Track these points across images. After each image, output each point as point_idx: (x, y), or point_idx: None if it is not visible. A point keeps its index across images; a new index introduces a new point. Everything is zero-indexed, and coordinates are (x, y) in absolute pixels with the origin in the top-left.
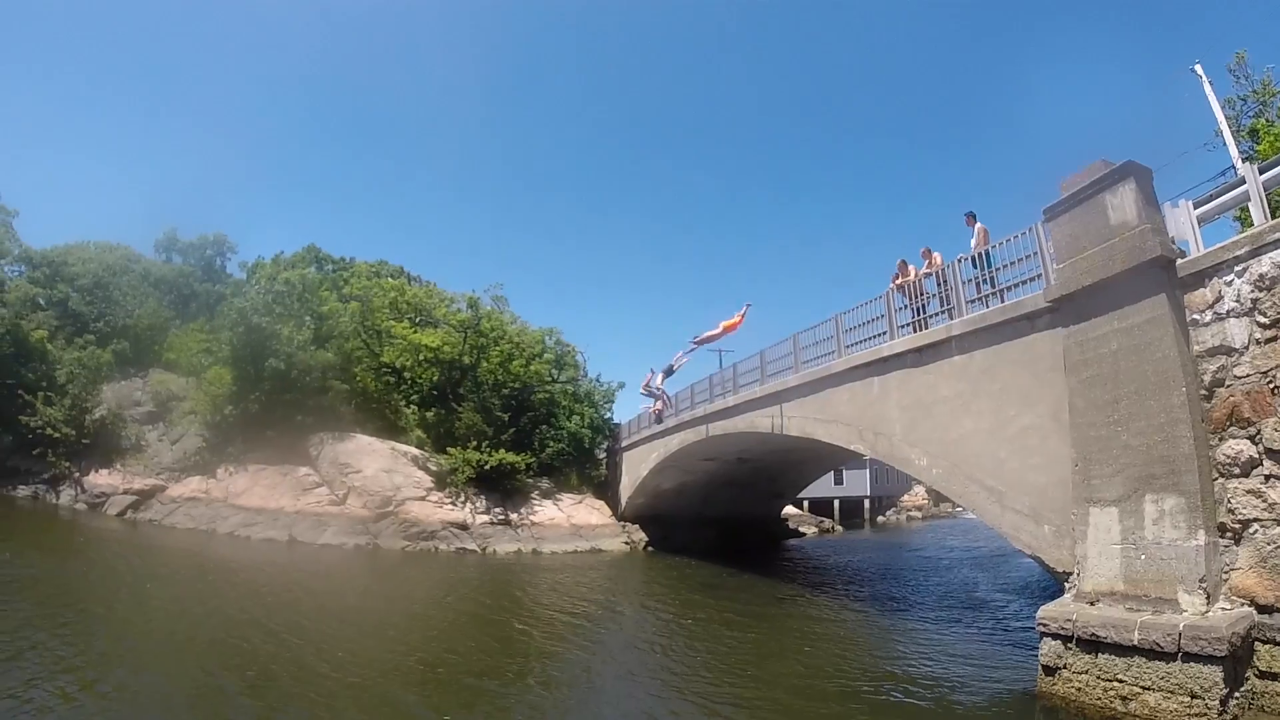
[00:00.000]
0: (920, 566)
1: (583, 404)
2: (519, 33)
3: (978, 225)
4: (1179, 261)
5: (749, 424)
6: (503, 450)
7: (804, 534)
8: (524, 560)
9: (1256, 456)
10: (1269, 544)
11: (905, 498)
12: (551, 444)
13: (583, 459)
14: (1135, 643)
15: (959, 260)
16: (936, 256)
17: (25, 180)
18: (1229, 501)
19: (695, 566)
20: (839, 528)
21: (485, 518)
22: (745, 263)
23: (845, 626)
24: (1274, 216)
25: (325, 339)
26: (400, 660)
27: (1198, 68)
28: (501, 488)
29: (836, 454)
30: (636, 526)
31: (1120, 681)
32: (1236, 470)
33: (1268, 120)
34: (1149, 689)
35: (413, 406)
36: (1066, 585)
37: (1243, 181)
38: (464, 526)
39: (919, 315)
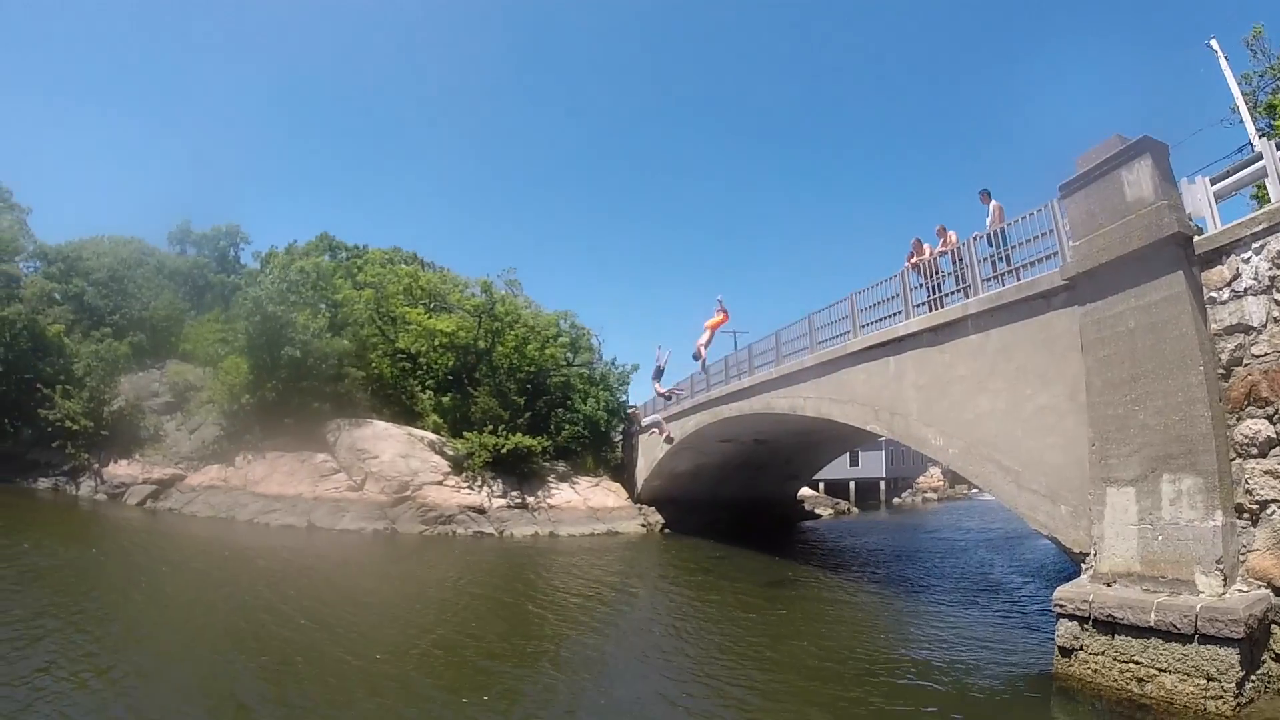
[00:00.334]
0: (936, 548)
1: (598, 387)
2: (532, 20)
3: (993, 203)
4: (1196, 239)
5: (765, 405)
6: (519, 434)
7: (820, 515)
8: (541, 543)
9: (1275, 437)
10: None
11: (921, 479)
12: (567, 427)
13: (599, 442)
14: (1152, 624)
15: (974, 238)
16: (952, 235)
17: (39, 177)
18: (1246, 482)
19: (711, 548)
20: (854, 509)
21: (502, 501)
22: (758, 245)
23: (860, 608)
24: None
25: (340, 326)
26: (415, 643)
27: (1213, 43)
28: (518, 471)
29: (852, 435)
30: (653, 509)
31: (1137, 663)
32: (1254, 450)
33: None
34: (1165, 671)
35: (428, 392)
36: (1083, 566)
37: (1260, 158)
38: (481, 510)
39: (934, 294)
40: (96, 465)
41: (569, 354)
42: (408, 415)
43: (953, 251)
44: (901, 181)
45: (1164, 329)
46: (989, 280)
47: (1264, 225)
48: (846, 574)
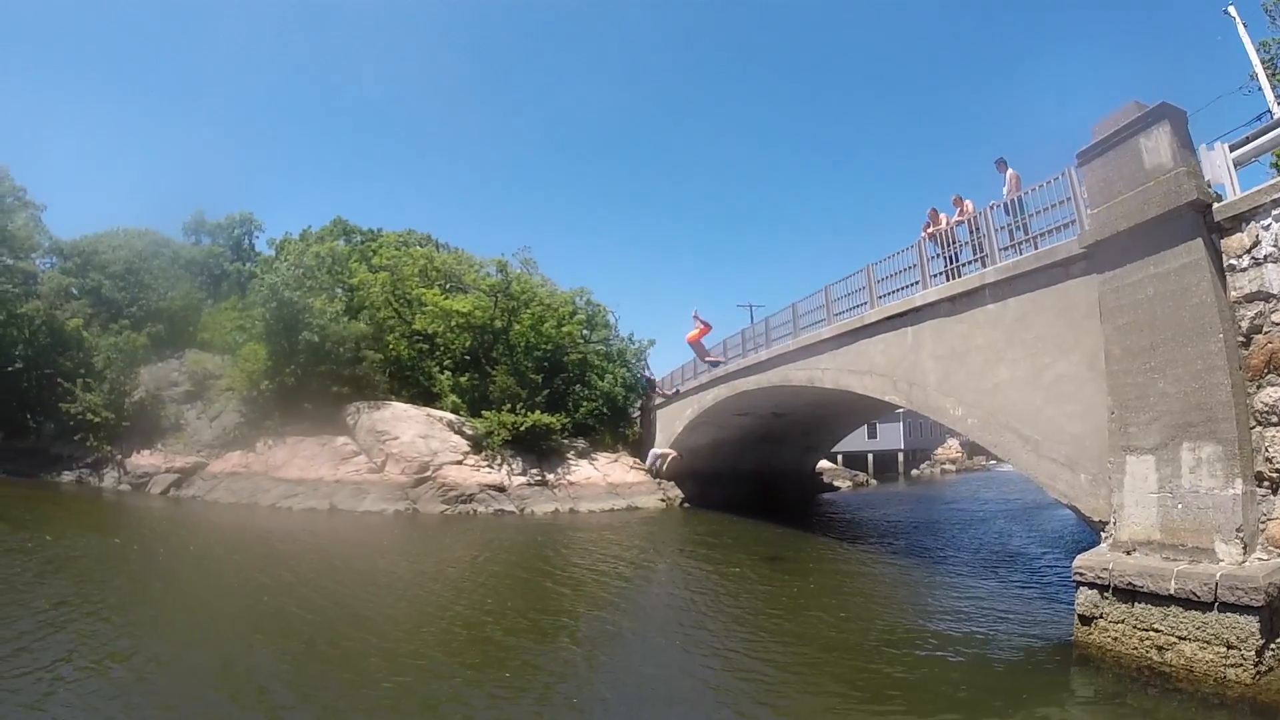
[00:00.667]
0: (954, 519)
1: (615, 363)
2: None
3: (1009, 171)
4: (1215, 205)
5: (783, 377)
6: (537, 412)
7: (838, 488)
8: (561, 520)
9: None
10: None
11: (939, 451)
12: (585, 404)
13: (617, 418)
14: (1172, 592)
15: (991, 207)
16: (968, 204)
17: (51, 174)
18: (1266, 450)
19: (730, 521)
20: (873, 481)
21: (522, 479)
22: (774, 221)
23: (880, 580)
24: None
25: (357, 310)
26: (435, 621)
27: (1231, 9)
28: (537, 449)
29: (870, 407)
30: (672, 483)
31: (1157, 631)
32: (1274, 419)
33: None
34: (1185, 639)
35: (446, 372)
36: (1102, 534)
37: (1279, 124)
38: (501, 488)
39: (951, 264)
40: (119, 456)
41: (586, 331)
42: (426, 396)
43: (969, 221)
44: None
45: (1183, 296)
46: (1006, 249)
47: None
48: (865, 545)
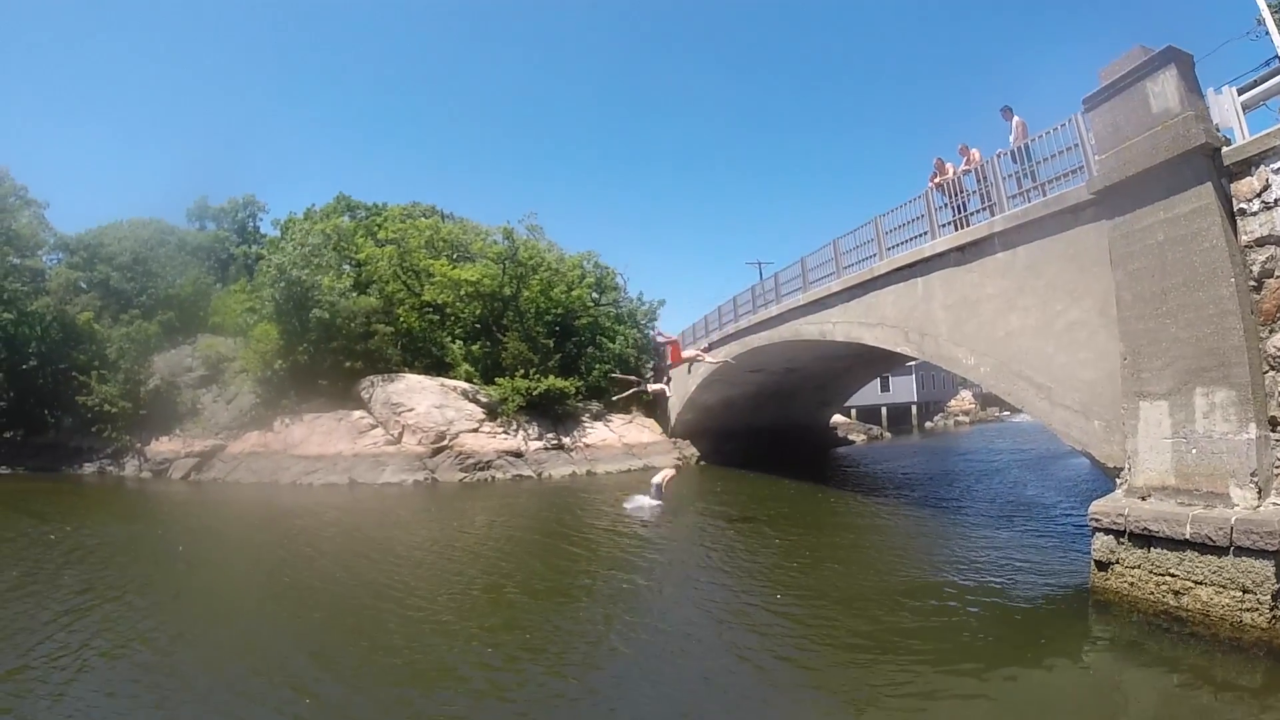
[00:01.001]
0: (969, 470)
1: (626, 324)
2: None
3: (1015, 119)
4: (1224, 150)
5: (794, 332)
6: (550, 376)
7: (853, 441)
8: (579, 482)
9: None
10: None
11: (952, 403)
12: (598, 367)
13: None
14: (1187, 537)
15: (998, 155)
16: (974, 153)
17: (51, 170)
18: (1279, 395)
19: (746, 477)
20: (887, 434)
21: (538, 444)
22: (778, 176)
23: (896, 531)
24: None
25: (365, 284)
26: (455, 588)
27: None
28: (552, 413)
29: (882, 359)
30: (687, 442)
31: (1173, 576)
32: None
33: None
34: (1201, 583)
35: (458, 342)
36: (1117, 481)
37: None
38: (518, 454)
39: (959, 214)
40: (138, 445)
41: (595, 294)
42: (439, 366)
43: (976, 170)
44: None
45: (1193, 241)
46: (1014, 197)
47: None
48: (881, 498)
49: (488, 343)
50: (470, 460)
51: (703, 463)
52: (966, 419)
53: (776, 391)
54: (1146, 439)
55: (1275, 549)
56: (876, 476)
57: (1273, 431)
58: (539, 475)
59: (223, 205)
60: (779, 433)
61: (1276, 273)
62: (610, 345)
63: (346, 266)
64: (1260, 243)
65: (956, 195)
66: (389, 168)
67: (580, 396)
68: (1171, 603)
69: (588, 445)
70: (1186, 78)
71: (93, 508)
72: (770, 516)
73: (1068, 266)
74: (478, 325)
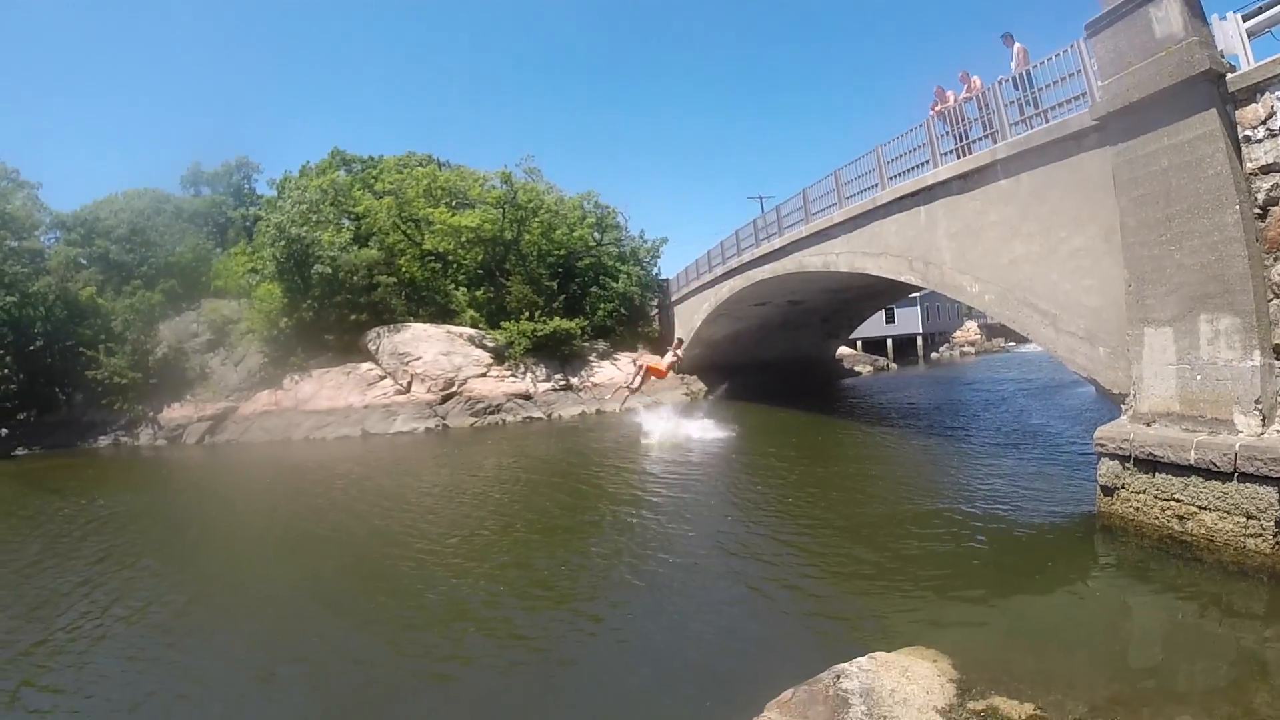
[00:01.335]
0: (975, 399)
1: (629, 263)
2: None
3: (1016, 45)
4: (1229, 76)
5: (797, 264)
6: (556, 318)
7: (859, 373)
8: (588, 421)
9: None
10: None
11: (957, 333)
12: (603, 306)
13: (635, 317)
14: (1192, 462)
15: (999, 82)
16: (975, 80)
17: (41, 150)
18: None
19: (753, 410)
20: (893, 365)
21: (547, 385)
22: (776, 106)
23: (903, 460)
24: None
25: (365, 237)
26: (467, 531)
27: None
28: (559, 354)
29: (887, 290)
30: (694, 377)
31: (1177, 501)
32: None
33: None
34: (1205, 509)
35: (462, 288)
36: (1122, 407)
37: None
38: (527, 396)
39: (961, 142)
40: (151, 413)
41: (596, 234)
42: (444, 314)
43: (978, 97)
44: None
45: (1198, 168)
46: (1016, 124)
47: None
48: (888, 428)
49: (491, 288)
50: (480, 405)
51: (710, 397)
52: (972, 350)
53: (782, 324)
54: (1151, 365)
55: (1279, 475)
56: (883, 407)
57: (1277, 359)
58: (548, 416)
59: (216, 169)
60: (786, 365)
61: None
62: (614, 284)
63: (345, 221)
64: (1265, 170)
65: (958, 123)
66: (383, 120)
67: (586, 336)
68: (1176, 528)
69: (595, 384)
70: (1190, 3)
71: (108, 479)
72: (778, 448)
73: (1071, 193)
74: (480, 271)
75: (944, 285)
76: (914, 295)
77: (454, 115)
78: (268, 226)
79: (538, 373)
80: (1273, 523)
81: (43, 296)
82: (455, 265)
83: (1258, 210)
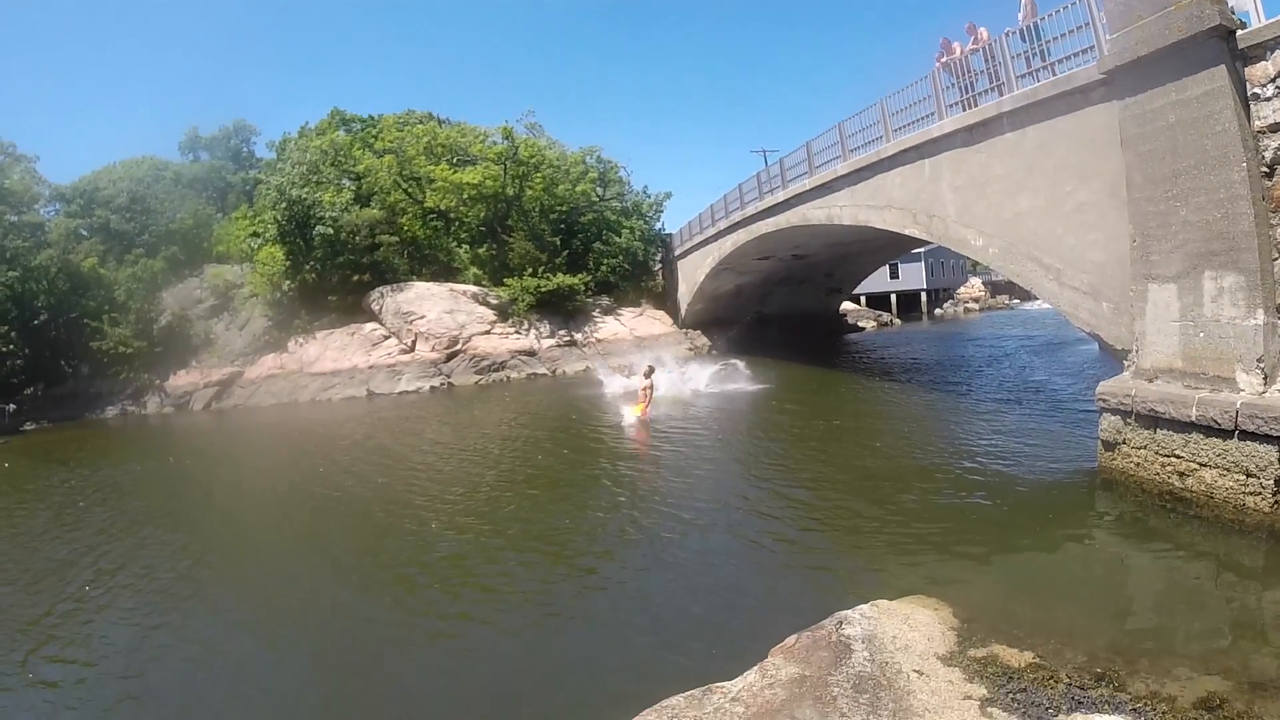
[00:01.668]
0: (979, 355)
1: (632, 218)
2: None
3: None
4: (1239, 33)
5: (801, 218)
6: (559, 274)
7: (863, 328)
8: (592, 376)
9: None
10: None
11: (962, 290)
12: (606, 261)
13: (638, 272)
14: (1193, 419)
15: (1006, 35)
16: (982, 31)
17: (36, 122)
18: None
19: (757, 365)
20: (897, 321)
21: (551, 341)
22: (782, 60)
23: (907, 414)
24: None
25: (367, 197)
26: (474, 486)
27: None
28: (562, 310)
29: (891, 245)
30: (698, 332)
31: (1178, 457)
32: None
33: None
34: (1205, 466)
35: (464, 246)
36: (1125, 363)
37: None
38: (531, 353)
39: (967, 94)
40: (157, 381)
41: (599, 189)
42: (447, 272)
43: (984, 49)
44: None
45: (1205, 124)
46: (1023, 77)
47: None
48: (891, 382)
49: (494, 245)
50: (484, 362)
51: (714, 352)
52: (976, 306)
53: (786, 278)
54: (1155, 321)
55: (1279, 434)
56: (886, 362)
57: None
58: (553, 373)
59: (214, 134)
60: (789, 320)
61: None
62: (617, 240)
63: (346, 181)
64: (1273, 129)
65: (964, 75)
66: (381, 78)
67: (590, 292)
68: (1176, 484)
69: (599, 340)
70: None
71: (115, 449)
72: (780, 401)
73: (1077, 147)
74: (483, 228)
75: (948, 239)
76: (918, 251)
77: (453, 71)
78: (268, 189)
79: (541, 329)
80: (1272, 481)
81: (45, 270)
82: (457, 223)
83: (1265, 168)
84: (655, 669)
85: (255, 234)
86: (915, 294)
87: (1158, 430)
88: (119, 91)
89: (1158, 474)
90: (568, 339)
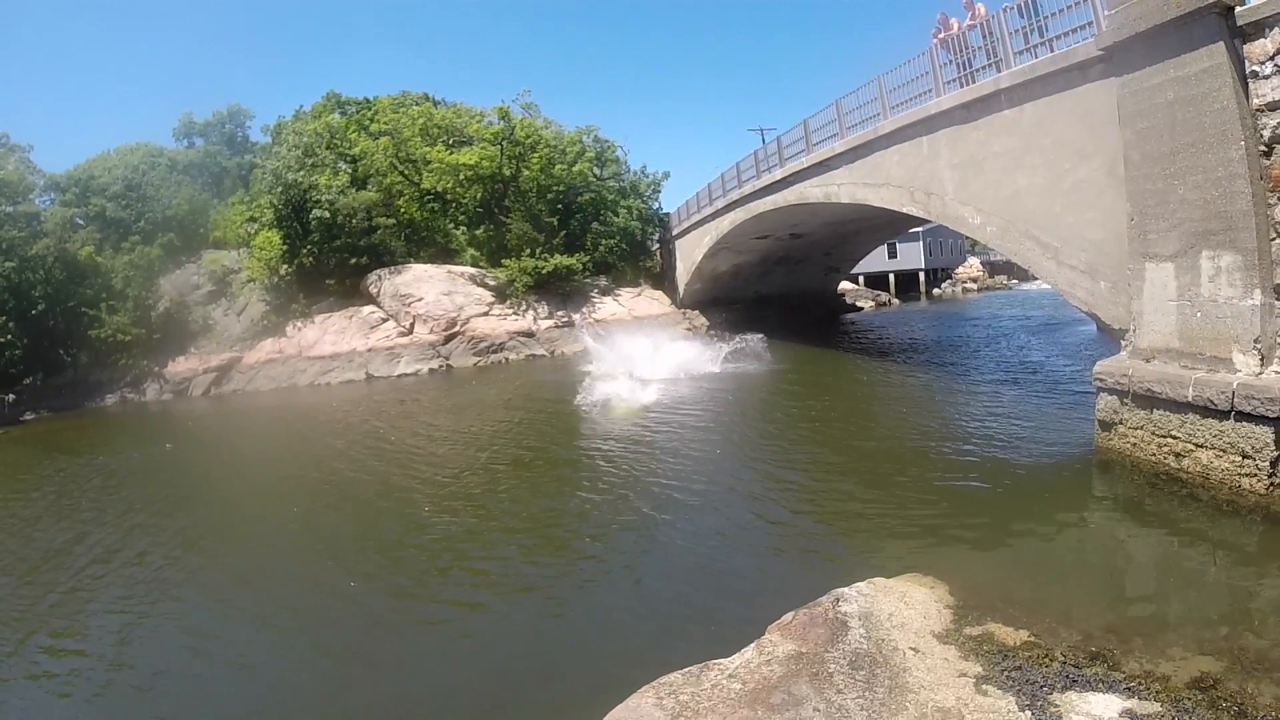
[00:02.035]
0: (977, 336)
1: (629, 198)
2: None
3: None
4: (1238, 9)
5: (799, 196)
6: (557, 255)
7: (861, 308)
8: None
9: None
10: None
11: (960, 270)
12: (604, 241)
13: (636, 252)
14: (1189, 399)
15: (1004, 10)
16: (980, 7)
17: (28, 111)
18: None
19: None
20: (895, 301)
21: (549, 322)
22: (779, 37)
23: (904, 393)
24: None
25: (363, 179)
26: (474, 465)
27: None
28: (560, 291)
29: (889, 224)
30: (696, 312)
31: (1174, 438)
32: None
33: None
34: (1202, 446)
35: (461, 227)
36: (1122, 342)
37: None
38: (530, 334)
39: (964, 70)
40: (156, 368)
41: (596, 169)
42: (445, 254)
43: (982, 25)
44: None
45: (1204, 102)
46: (1021, 53)
47: None
48: (889, 361)
49: (491, 226)
50: (483, 344)
51: (712, 332)
52: (975, 286)
53: (784, 257)
54: (1152, 301)
55: (1276, 415)
56: (884, 342)
57: (1277, 299)
58: (551, 354)
59: (208, 119)
60: (788, 300)
61: None
62: (615, 220)
63: (342, 164)
64: (1272, 107)
65: (961, 51)
66: (375, 61)
67: (587, 273)
68: (1172, 464)
69: (597, 320)
70: None
71: (120, 436)
72: (778, 381)
73: (1075, 124)
74: (480, 209)
75: (945, 217)
76: (916, 231)
77: (449, 52)
78: (264, 174)
79: (539, 310)
80: (1268, 462)
81: (41, 259)
82: (454, 204)
83: (1263, 147)
84: (653, 647)
85: (252, 219)
86: (913, 274)
87: (1154, 411)
88: (112, 78)
89: (1154, 454)
90: (566, 320)
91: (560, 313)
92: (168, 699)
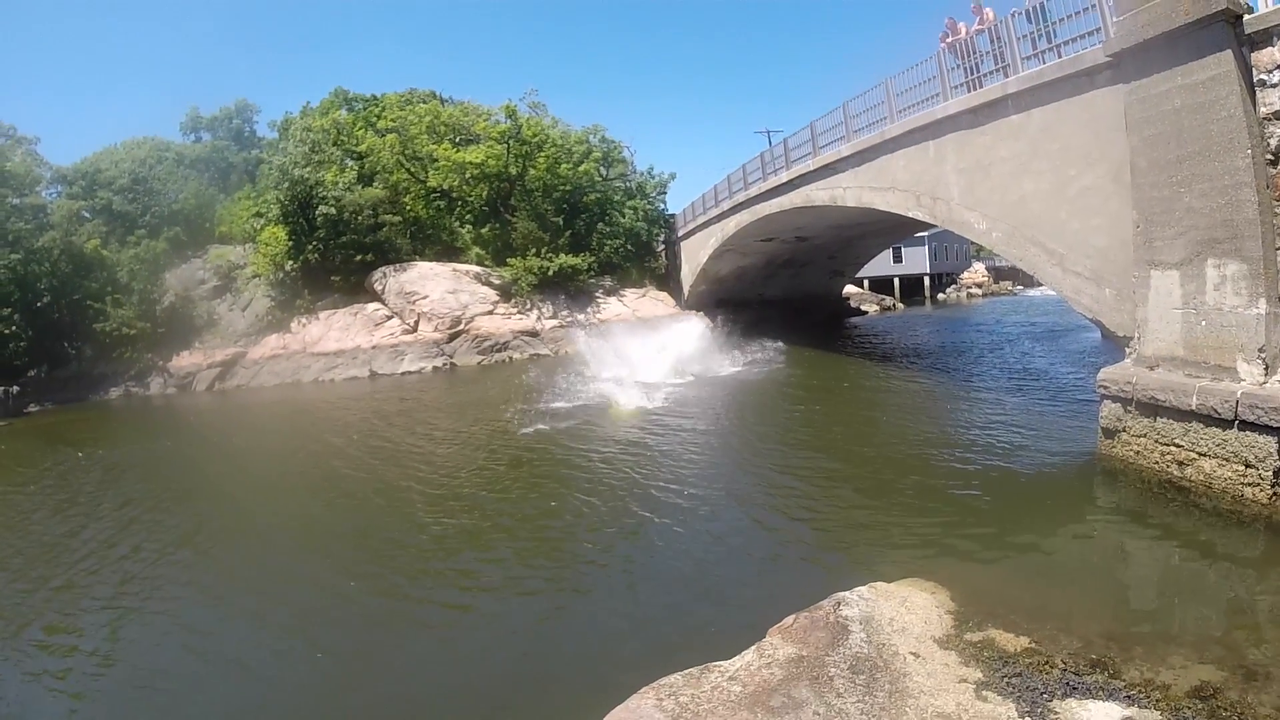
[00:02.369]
0: (981, 341)
1: (635, 198)
2: None
3: None
4: (1247, 18)
5: (804, 199)
6: (562, 254)
7: (865, 312)
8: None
9: None
10: None
11: (965, 275)
12: (609, 242)
13: (641, 253)
14: (1193, 408)
15: (1012, 15)
16: (988, 12)
17: (36, 103)
18: None
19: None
20: (899, 305)
21: (553, 322)
22: (787, 40)
23: (907, 398)
24: None
25: (369, 176)
26: (474, 462)
27: None
28: (565, 291)
29: (894, 228)
30: (700, 314)
31: (1178, 446)
32: None
33: None
34: (1205, 455)
35: (467, 226)
36: (1126, 350)
37: None
38: (534, 333)
39: (972, 75)
40: (160, 362)
41: (603, 169)
42: (450, 252)
43: (990, 30)
44: None
45: (1211, 110)
46: (1029, 58)
47: None
48: (892, 366)
49: (497, 224)
50: (487, 343)
51: (718, 334)
52: (980, 291)
53: (789, 260)
54: (1157, 308)
55: (1279, 425)
56: (888, 345)
57: None
58: (555, 353)
59: (215, 114)
60: (792, 303)
61: None
62: (620, 220)
63: (348, 160)
64: (1278, 116)
65: (969, 56)
66: (383, 57)
67: (592, 273)
68: (1175, 473)
69: (602, 320)
70: None
71: (124, 430)
72: (782, 383)
73: (1082, 131)
74: (485, 208)
75: (951, 221)
76: (921, 235)
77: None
78: (270, 169)
79: (544, 310)
80: (1271, 472)
81: (47, 252)
82: (460, 203)
83: (1269, 155)
84: (653, 649)
85: (258, 214)
86: (918, 278)
87: (1158, 418)
88: (120, 72)
89: (1157, 463)
90: (570, 319)
91: (565, 312)
92: (162, 696)
